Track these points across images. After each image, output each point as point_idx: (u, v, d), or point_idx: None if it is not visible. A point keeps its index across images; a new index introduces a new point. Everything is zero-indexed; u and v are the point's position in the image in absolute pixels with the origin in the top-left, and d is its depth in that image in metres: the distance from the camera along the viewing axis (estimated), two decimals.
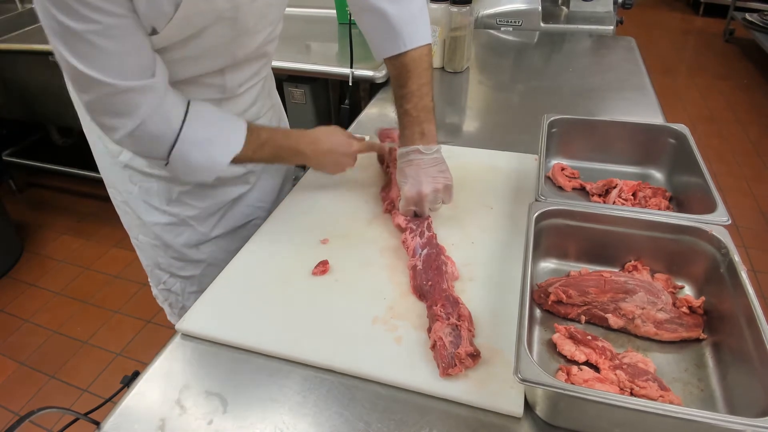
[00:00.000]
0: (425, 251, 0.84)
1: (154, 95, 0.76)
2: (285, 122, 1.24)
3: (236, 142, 0.86)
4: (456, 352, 0.67)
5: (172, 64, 0.82)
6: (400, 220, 0.93)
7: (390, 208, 0.96)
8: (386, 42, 0.91)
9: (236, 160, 0.86)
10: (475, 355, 0.68)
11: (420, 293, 0.79)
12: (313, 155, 0.96)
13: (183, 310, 1.17)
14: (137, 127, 0.76)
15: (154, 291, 1.21)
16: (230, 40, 0.85)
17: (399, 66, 0.91)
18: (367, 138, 1.06)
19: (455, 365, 0.66)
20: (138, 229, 1.07)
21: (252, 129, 0.88)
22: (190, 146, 0.82)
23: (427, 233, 0.88)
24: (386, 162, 1.07)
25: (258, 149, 0.89)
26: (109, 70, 0.70)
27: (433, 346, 0.70)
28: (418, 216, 0.92)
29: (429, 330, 0.73)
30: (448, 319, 0.71)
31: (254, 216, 1.14)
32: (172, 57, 0.80)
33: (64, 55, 0.68)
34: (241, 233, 1.13)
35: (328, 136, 0.98)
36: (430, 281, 0.78)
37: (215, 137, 0.85)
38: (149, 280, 1.20)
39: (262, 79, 1.04)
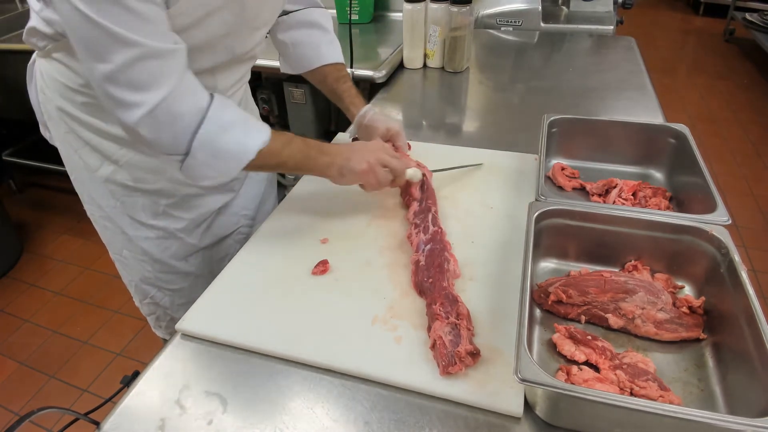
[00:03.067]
0: (429, 247, 0.84)
1: (180, 63, 0.71)
2: None
3: (264, 129, 0.80)
4: (456, 350, 0.67)
5: None
6: (410, 215, 0.94)
7: (409, 201, 0.98)
8: (328, 51, 1.11)
9: (264, 154, 0.79)
10: (475, 354, 0.68)
11: (420, 289, 0.80)
12: (339, 152, 0.89)
13: (172, 321, 1.15)
14: (162, 101, 0.69)
15: (137, 302, 1.18)
16: (232, 32, 0.83)
17: (334, 69, 1.12)
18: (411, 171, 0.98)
19: (455, 363, 0.66)
20: (122, 244, 1.03)
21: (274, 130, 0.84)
22: (219, 128, 0.75)
23: (432, 228, 0.88)
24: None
25: (286, 144, 0.83)
26: (138, 30, 0.65)
27: (433, 346, 0.70)
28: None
29: (429, 329, 0.73)
30: (447, 318, 0.71)
31: (239, 224, 1.14)
32: None
33: (90, 16, 0.63)
34: (227, 243, 1.13)
35: (358, 143, 0.94)
36: (431, 278, 0.79)
37: (244, 121, 0.78)
38: (132, 293, 1.17)
39: (245, 83, 1.05)
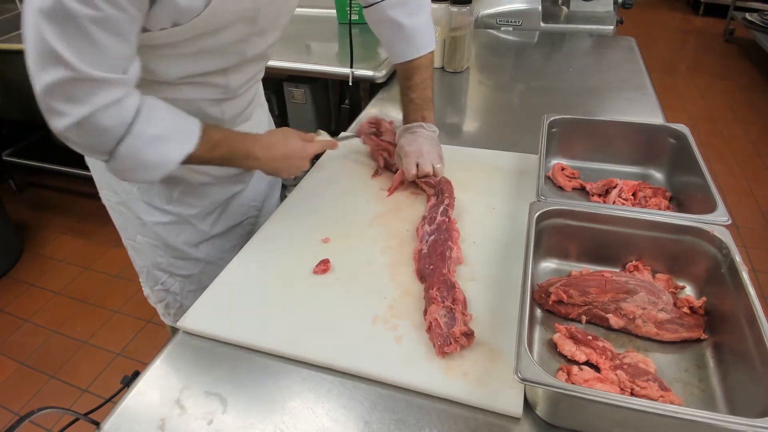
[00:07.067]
0: (432, 237, 0.86)
1: (117, 91, 0.73)
2: (269, 119, 1.25)
3: (190, 140, 0.82)
4: (451, 331, 0.68)
5: (183, 59, 0.82)
6: (426, 209, 0.96)
7: (429, 196, 1.00)
8: (401, 49, 1.08)
9: (188, 160, 0.83)
10: (469, 335, 0.69)
11: (421, 276, 0.81)
12: (267, 160, 0.93)
13: (181, 309, 1.17)
14: (89, 115, 0.71)
15: (147, 291, 1.21)
16: (244, 39, 0.86)
17: (408, 67, 1.09)
18: (320, 136, 1.03)
19: (450, 344, 0.67)
20: (136, 229, 1.06)
21: (206, 128, 0.85)
22: (141, 142, 0.77)
23: (439, 218, 0.89)
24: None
25: (211, 149, 0.86)
26: (84, 57, 0.67)
27: (429, 328, 0.71)
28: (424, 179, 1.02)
29: (425, 312, 0.74)
30: (443, 302, 0.72)
31: (248, 215, 1.18)
32: (185, 51, 0.81)
33: (42, 29, 0.65)
34: (237, 231, 1.16)
35: (284, 140, 0.95)
36: (432, 265, 0.80)
37: (168, 134, 0.80)
38: (141, 280, 1.20)
39: (258, 82, 1.06)
